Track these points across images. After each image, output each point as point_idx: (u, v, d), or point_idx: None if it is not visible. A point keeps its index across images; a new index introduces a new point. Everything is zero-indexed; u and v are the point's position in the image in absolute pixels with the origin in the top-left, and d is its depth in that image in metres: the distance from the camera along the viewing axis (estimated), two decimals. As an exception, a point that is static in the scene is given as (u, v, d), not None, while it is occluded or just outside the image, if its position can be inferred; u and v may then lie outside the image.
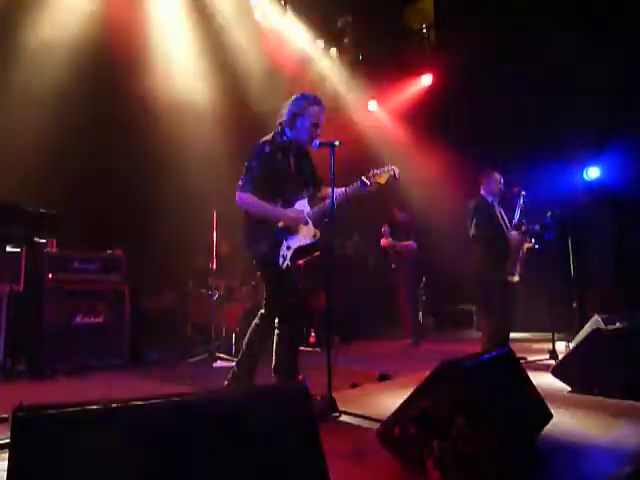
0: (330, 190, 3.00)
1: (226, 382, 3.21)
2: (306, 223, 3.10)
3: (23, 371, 4.34)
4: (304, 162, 3.29)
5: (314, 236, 3.11)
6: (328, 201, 3.05)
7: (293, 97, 3.18)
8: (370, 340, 7.08)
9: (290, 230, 3.07)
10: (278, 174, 3.10)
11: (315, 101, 3.13)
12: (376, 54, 8.42)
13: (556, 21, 6.95)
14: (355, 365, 4.74)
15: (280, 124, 3.19)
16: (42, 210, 4.53)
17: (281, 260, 3.01)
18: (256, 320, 3.21)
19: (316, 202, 3.21)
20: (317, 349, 5.98)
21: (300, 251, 3.08)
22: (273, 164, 3.09)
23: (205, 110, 6.33)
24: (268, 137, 3.17)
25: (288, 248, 3.04)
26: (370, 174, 3.08)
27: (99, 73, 5.44)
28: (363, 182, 3.05)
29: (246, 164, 3.08)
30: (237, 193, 3.06)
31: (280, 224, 3.06)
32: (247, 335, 3.24)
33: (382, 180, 3.08)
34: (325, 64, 8.10)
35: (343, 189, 3.09)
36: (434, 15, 9.16)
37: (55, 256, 4.65)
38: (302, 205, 3.13)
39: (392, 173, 3.09)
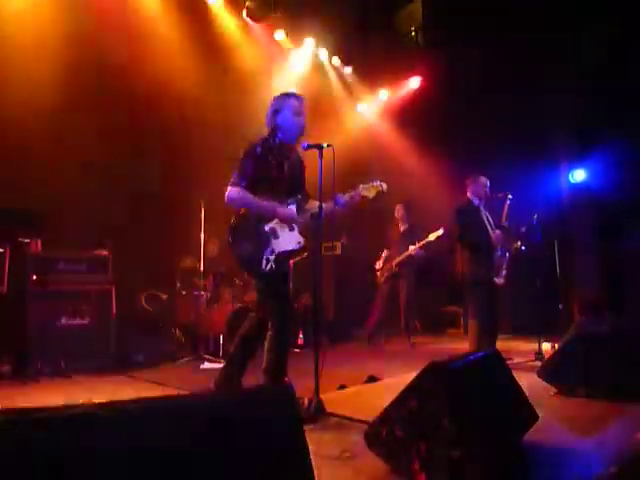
0: (313, 204, 3.07)
1: (213, 384, 3.19)
2: (292, 229, 3.11)
3: (7, 373, 4.27)
4: (298, 169, 3.31)
5: (299, 243, 3.12)
6: (313, 212, 3.10)
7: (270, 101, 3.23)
8: (359, 341, 7.08)
9: (276, 234, 3.07)
10: (268, 177, 3.11)
11: (291, 94, 3.19)
12: (365, 57, 8.44)
13: (542, 21, 7.02)
14: (343, 366, 4.74)
15: (270, 128, 3.21)
16: (26, 210, 4.47)
17: (264, 263, 3.01)
18: (248, 321, 3.21)
19: (301, 212, 3.21)
20: (306, 350, 5.97)
21: (284, 256, 3.08)
22: (264, 166, 3.10)
23: (194, 109, 6.29)
24: (261, 138, 3.19)
25: (272, 252, 3.03)
26: (357, 189, 3.13)
27: (87, 70, 5.39)
28: (338, 201, 3.09)
29: (240, 162, 3.09)
30: (228, 188, 3.06)
31: (267, 227, 3.06)
32: (238, 336, 3.23)
33: (370, 194, 3.13)
34: (315, 66, 8.10)
35: (320, 207, 3.07)
36: (422, 18, 9.22)
37: (40, 257, 4.59)
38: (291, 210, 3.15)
39: (380, 188, 3.15)
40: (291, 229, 3.11)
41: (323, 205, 3.05)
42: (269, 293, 3.10)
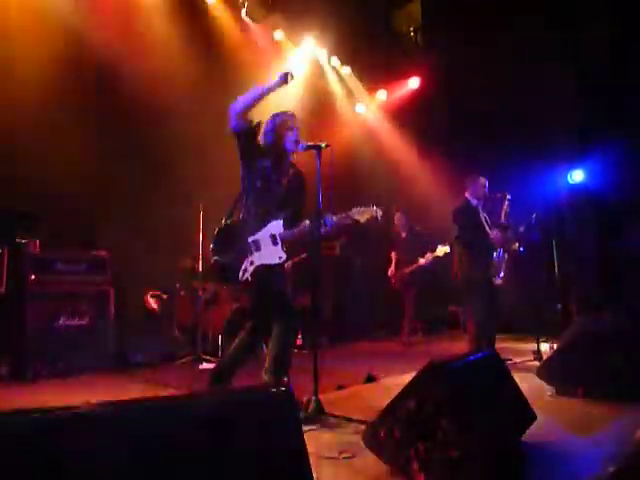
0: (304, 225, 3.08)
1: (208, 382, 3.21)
2: (276, 243, 3.11)
3: (5, 374, 4.26)
4: (296, 189, 3.30)
5: (280, 257, 3.12)
6: (302, 227, 3.10)
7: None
8: (357, 341, 7.09)
9: (258, 246, 3.08)
10: (262, 186, 3.15)
11: (280, 112, 3.26)
12: (364, 57, 8.44)
13: (540, 21, 7.03)
14: (342, 367, 4.74)
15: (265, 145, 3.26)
16: (24, 210, 4.46)
17: (241, 274, 3.04)
18: (248, 324, 3.22)
19: (289, 228, 3.20)
20: (304, 351, 5.97)
21: (262, 269, 3.06)
22: (261, 174, 3.15)
23: (193, 110, 6.28)
24: None
25: (251, 263, 3.06)
26: (350, 212, 3.11)
27: (85, 70, 5.38)
28: (327, 223, 3.07)
29: None
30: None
31: (250, 239, 3.08)
32: (237, 338, 3.25)
33: (362, 219, 3.10)
34: (314, 66, 8.10)
35: (304, 225, 3.10)
36: (422, 18, 9.21)
37: (38, 257, 4.57)
38: (277, 225, 3.14)
39: (374, 214, 3.12)
40: (275, 243, 3.11)
41: (310, 223, 3.06)
42: (260, 299, 3.15)
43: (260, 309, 3.17)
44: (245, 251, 3.07)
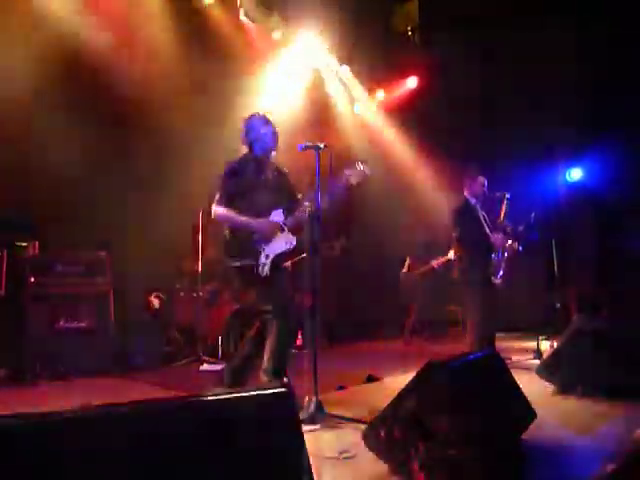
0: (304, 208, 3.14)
1: (220, 385, 3.22)
2: (282, 230, 3.20)
3: (5, 377, 4.25)
4: (282, 179, 3.39)
5: (287, 242, 3.20)
6: (301, 211, 3.17)
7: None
8: (357, 341, 7.09)
9: (267, 239, 3.15)
10: (249, 188, 3.21)
11: (255, 112, 3.36)
12: (362, 56, 8.43)
13: (539, 20, 7.04)
14: (342, 367, 4.74)
15: (247, 146, 3.33)
16: (24, 212, 4.46)
17: (260, 268, 3.10)
18: (257, 325, 3.23)
19: (290, 216, 3.27)
20: (304, 351, 5.97)
21: (278, 258, 3.17)
22: (243, 179, 3.22)
23: (191, 111, 6.28)
24: (238, 157, 3.35)
25: (267, 257, 3.13)
26: (343, 178, 3.15)
27: (84, 72, 5.38)
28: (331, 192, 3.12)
29: (220, 181, 3.24)
30: (213, 207, 3.23)
31: (258, 235, 3.13)
32: (244, 339, 3.27)
33: (354, 181, 3.15)
34: (312, 66, 8.09)
35: (304, 207, 3.16)
36: (419, 17, 9.21)
37: (37, 259, 4.57)
38: (278, 214, 3.24)
39: (363, 172, 3.16)
40: (281, 231, 3.20)
41: (309, 204, 3.10)
42: (269, 296, 3.15)
43: (265, 305, 3.17)
44: (257, 249, 3.13)
